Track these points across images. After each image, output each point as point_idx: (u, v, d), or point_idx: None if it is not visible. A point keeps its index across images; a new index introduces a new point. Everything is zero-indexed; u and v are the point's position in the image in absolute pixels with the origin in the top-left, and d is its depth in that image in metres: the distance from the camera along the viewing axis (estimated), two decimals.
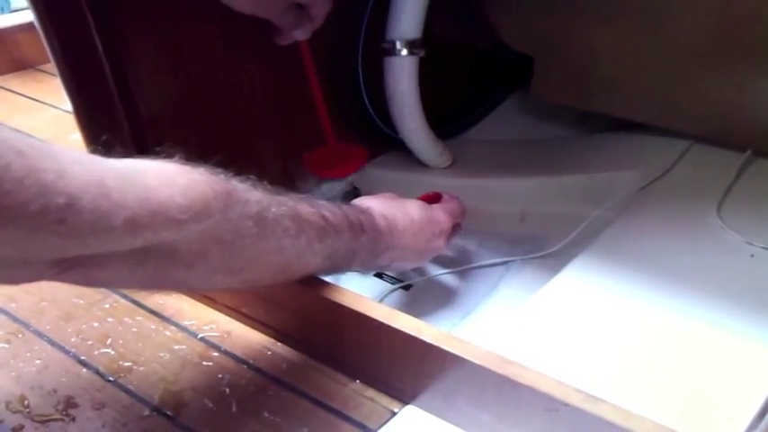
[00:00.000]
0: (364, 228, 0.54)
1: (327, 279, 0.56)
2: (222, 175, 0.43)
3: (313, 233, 0.49)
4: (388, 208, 0.59)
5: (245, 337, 0.62)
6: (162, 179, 0.38)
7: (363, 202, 0.60)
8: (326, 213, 0.51)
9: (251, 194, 0.45)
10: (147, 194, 0.36)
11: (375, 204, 0.59)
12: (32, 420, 0.54)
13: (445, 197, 0.68)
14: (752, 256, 0.63)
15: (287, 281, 0.53)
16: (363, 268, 0.58)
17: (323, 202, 0.52)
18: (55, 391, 0.57)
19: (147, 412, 0.55)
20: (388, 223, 0.57)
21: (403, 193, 0.64)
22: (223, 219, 0.41)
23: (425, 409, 0.54)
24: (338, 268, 0.56)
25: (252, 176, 0.46)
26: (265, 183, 0.47)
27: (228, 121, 0.73)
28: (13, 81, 1.23)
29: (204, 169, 0.42)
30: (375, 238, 0.55)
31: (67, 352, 0.61)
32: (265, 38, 0.67)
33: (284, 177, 0.74)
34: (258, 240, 0.45)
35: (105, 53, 0.61)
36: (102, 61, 0.61)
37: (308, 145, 0.75)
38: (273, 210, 0.46)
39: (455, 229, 0.66)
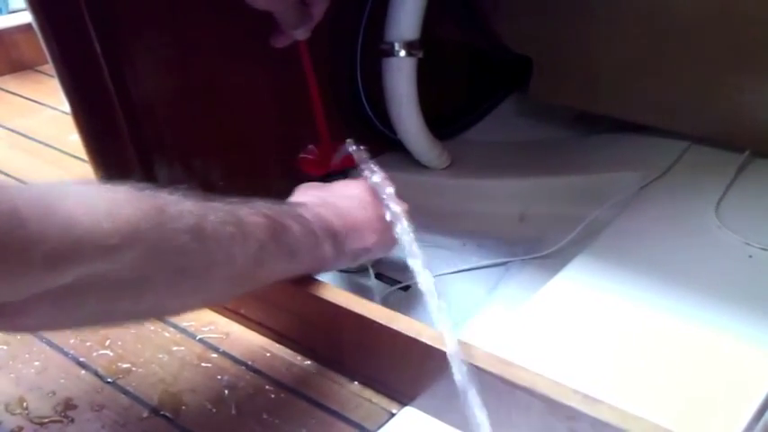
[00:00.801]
0: (309, 219, 0.51)
1: (326, 279, 0.56)
2: (148, 191, 0.39)
3: (262, 234, 0.46)
4: (320, 195, 0.57)
5: (243, 338, 0.62)
6: (83, 204, 0.34)
7: (292, 198, 0.57)
8: (267, 212, 0.48)
9: (183, 206, 0.41)
10: (69, 222, 0.32)
11: (306, 196, 0.57)
12: (31, 422, 0.54)
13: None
14: (750, 256, 0.63)
15: (260, 289, 0.51)
16: (337, 262, 0.55)
17: (259, 202, 0.49)
18: (54, 393, 0.57)
19: (145, 414, 0.55)
20: (329, 209, 0.54)
21: (402, 194, 0.63)
22: (158, 238, 0.38)
23: (424, 411, 0.54)
24: (311, 266, 0.54)
25: (182, 186, 0.42)
26: (197, 191, 0.43)
27: (228, 122, 0.73)
28: (11, 82, 1.23)
29: (128, 187, 0.38)
30: (326, 227, 0.53)
31: (66, 353, 0.61)
32: (264, 39, 0.67)
33: (284, 178, 0.74)
34: (202, 255, 0.42)
35: (103, 54, 0.60)
36: (101, 62, 0.61)
37: (307, 145, 0.75)
38: (211, 218, 0.42)
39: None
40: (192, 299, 0.45)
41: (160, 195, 0.40)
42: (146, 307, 0.42)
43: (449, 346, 0.46)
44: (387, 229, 0.57)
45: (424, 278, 0.51)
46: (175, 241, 0.39)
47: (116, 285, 0.37)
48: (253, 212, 0.47)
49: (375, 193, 0.58)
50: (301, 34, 0.66)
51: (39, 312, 0.35)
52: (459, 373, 0.45)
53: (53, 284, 0.33)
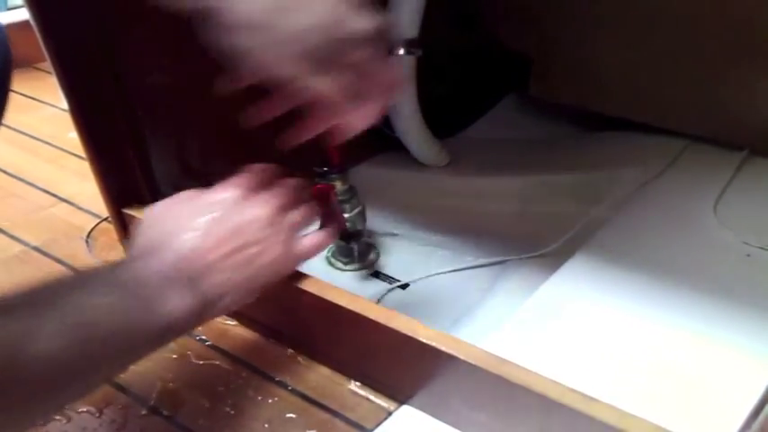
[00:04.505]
0: (131, 289, 0.42)
1: (326, 278, 0.56)
2: None
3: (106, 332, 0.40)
4: (158, 236, 0.46)
5: (241, 336, 0.62)
6: None
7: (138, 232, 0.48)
8: (76, 318, 0.38)
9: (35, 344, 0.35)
10: None
11: (143, 239, 0.47)
12: None
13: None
14: (748, 255, 0.63)
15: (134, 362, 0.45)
16: (202, 309, 0.45)
17: (94, 285, 0.41)
18: None
19: (144, 411, 0.55)
20: (168, 254, 0.45)
21: (400, 192, 0.63)
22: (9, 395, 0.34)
23: (421, 409, 0.54)
24: (161, 334, 0.44)
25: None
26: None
27: (228, 120, 0.72)
28: None
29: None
30: (160, 280, 0.43)
31: None
32: None
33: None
34: (57, 391, 0.38)
35: (102, 51, 0.60)
36: (99, 60, 0.61)
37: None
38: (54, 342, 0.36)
39: (298, 219, 0.51)
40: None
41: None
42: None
43: None
44: (253, 243, 0.47)
45: None
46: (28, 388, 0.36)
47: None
48: (93, 304, 0.40)
49: (237, 218, 0.48)
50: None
51: None
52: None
53: None
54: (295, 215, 0.51)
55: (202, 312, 0.45)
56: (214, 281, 0.45)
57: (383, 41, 0.46)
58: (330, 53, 0.44)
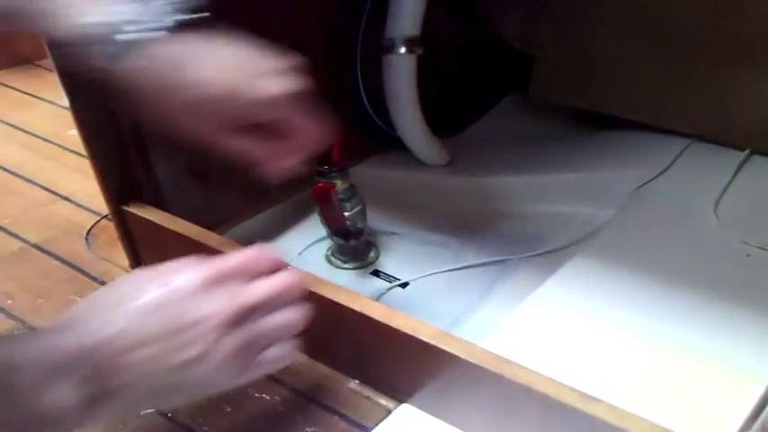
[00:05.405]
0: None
1: (326, 278, 0.56)
2: None
3: None
4: (77, 313, 0.40)
5: None
6: None
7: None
8: None
9: None
10: None
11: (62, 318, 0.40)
12: None
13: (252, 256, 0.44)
14: (748, 255, 0.63)
15: None
16: (96, 407, 0.37)
17: None
18: None
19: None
20: (73, 336, 0.38)
21: (401, 191, 0.63)
22: None
23: (421, 408, 0.54)
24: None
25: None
26: None
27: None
28: (10, 76, 1.22)
29: None
30: (54, 369, 0.36)
31: None
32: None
33: (284, 183, 0.74)
34: None
35: None
36: None
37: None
38: None
39: (270, 326, 0.42)
40: None
41: None
42: None
43: None
44: (188, 347, 0.39)
45: None
46: None
47: None
48: None
49: (184, 324, 0.39)
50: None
51: None
52: None
53: None
54: (269, 322, 0.42)
55: (91, 413, 0.37)
56: (111, 383, 0.37)
57: (298, 101, 0.44)
58: (239, 118, 0.44)
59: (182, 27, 0.43)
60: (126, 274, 0.44)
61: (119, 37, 0.42)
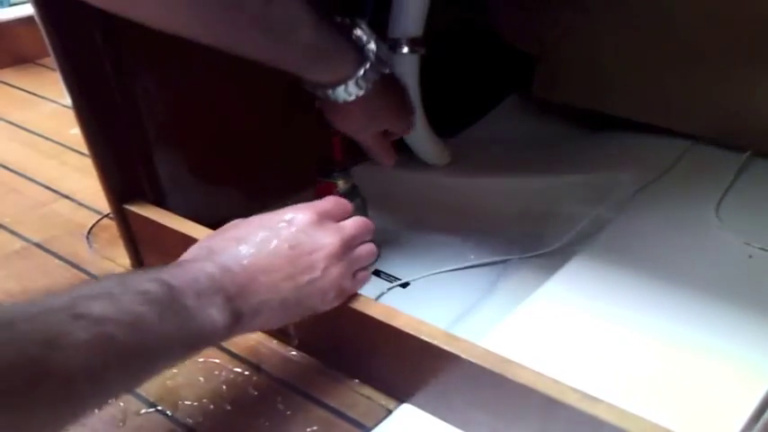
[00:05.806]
0: (173, 294, 0.41)
1: None
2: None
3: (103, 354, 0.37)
4: (209, 245, 0.47)
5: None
6: None
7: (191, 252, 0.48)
8: (109, 313, 0.38)
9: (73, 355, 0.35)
10: None
11: (195, 249, 0.48)
12: None
13: (336, 206, 0.53)
14: (750, 256, 0.63)
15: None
16: (237, 327, 0.45)
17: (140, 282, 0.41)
18: None
19: (144, 409, 0.55)
20: (214, 264, 0.44)
21: (402, 190, 0.63)
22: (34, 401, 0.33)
23: (422, 408, 0.54)
24: (192, 344, 0.43)
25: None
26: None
27: (229, 118, 0.72)
28: (12, 75, 1.23)
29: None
30: (206, 289, 0.43)
31: None
32: None
33: (285, 171, 0.74)
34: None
35: (105, 47, 0.60)
36: (102, 56, 0.61)
37: (312, 153, 0.73)
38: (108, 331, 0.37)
39: (362, 254, 0.52)
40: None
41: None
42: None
43: None
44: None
45: None
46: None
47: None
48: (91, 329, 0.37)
49: (308, 251, 0.48)
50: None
51: None
52: None
53: None
54: (360, 251, 0.52)
55: (234, 329, 0.45)
56: (252, 301, 0.45)
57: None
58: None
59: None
60: (238, 219, 0.50)
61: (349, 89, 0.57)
